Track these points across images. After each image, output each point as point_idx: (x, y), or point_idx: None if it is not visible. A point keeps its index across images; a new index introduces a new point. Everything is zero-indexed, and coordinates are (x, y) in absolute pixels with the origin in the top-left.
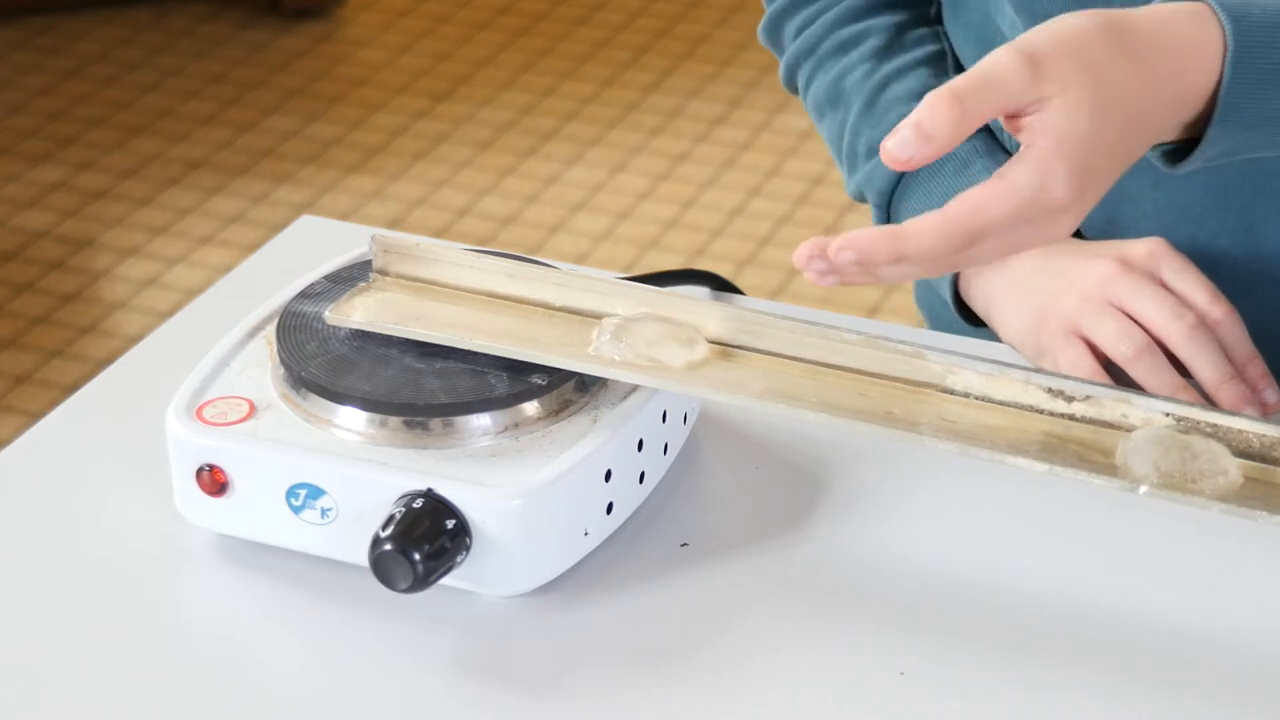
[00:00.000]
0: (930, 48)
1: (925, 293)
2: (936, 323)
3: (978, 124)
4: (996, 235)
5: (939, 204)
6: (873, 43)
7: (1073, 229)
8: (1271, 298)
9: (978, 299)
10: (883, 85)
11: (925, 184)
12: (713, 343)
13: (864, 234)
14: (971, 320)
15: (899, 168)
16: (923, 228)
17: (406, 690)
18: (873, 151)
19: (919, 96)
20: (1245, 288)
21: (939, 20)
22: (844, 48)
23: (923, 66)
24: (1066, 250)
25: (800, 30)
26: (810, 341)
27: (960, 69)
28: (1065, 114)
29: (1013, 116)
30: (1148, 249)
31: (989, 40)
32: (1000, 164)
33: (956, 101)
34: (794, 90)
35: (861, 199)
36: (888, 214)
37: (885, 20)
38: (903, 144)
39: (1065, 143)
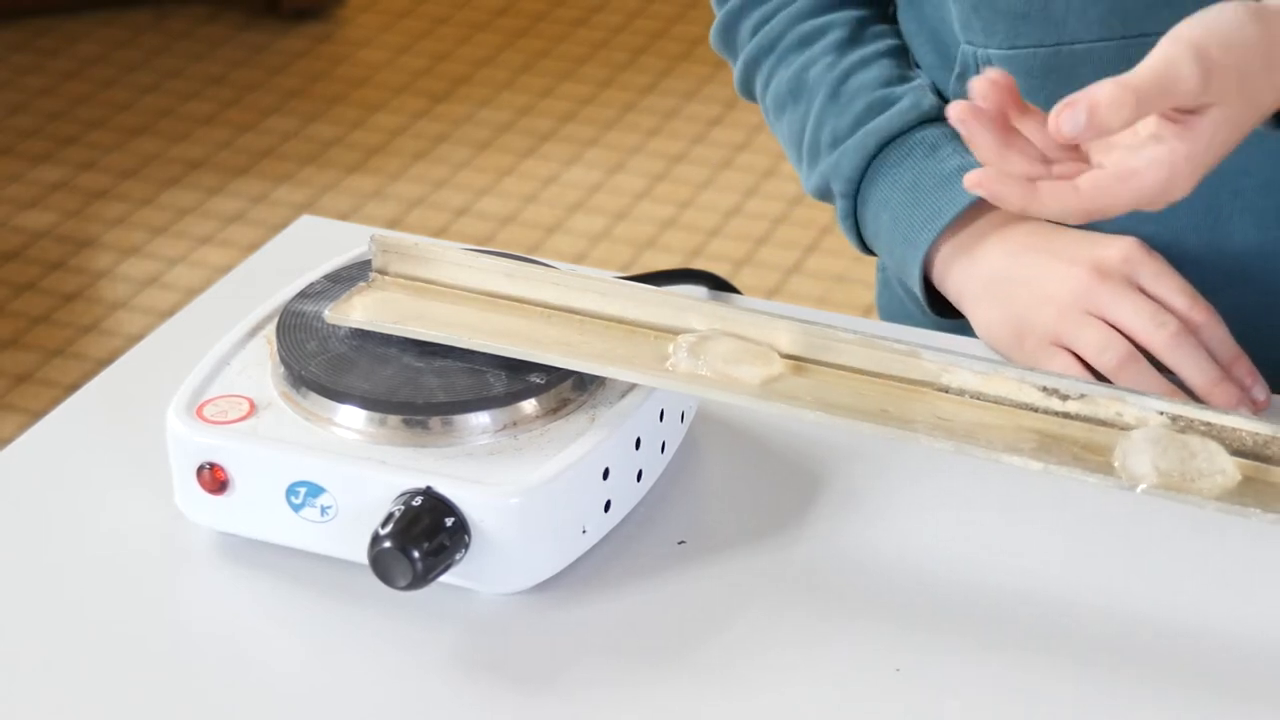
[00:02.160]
0: (891, 41)
1: (887, 301)
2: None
3: (1143, 118)
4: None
5: (907, 188)
6: (835, 35)
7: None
8: (1237, 293)
9: (950, 290)
10: (846, 75)
11: (894, 169)
12: (786, 357)
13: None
14: (939, 310)
15: (1062, 140)
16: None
17: (406, 687)
18: (837, 141)
19: (882, 85)
20: (1211, 284)
21: (896, 20)
22: (806, 41)
23: (885, 58)
24: (1036, 247)
25: (758, 28)
26: (808, 341)
27: (916, 64)
28: (1215, 125)
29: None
30: (1122, 253)
31: (943, 43)
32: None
33: (1135, 100)
34: (749, 94)
35: (823, 194)
36: (855, 202)
37: (846, 15)
38: (1074, 122)
39: (1205, 142)
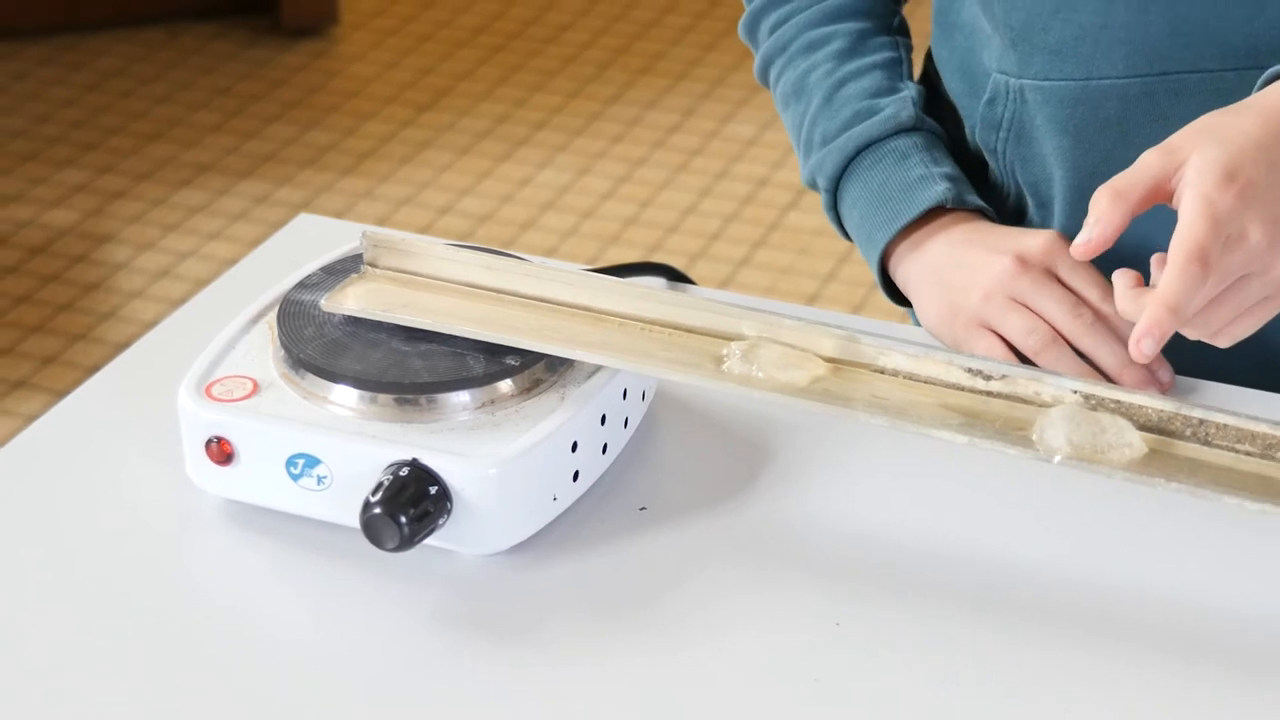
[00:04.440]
0: (888, 54)
1: None
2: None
3: (1139, 209)
4: (1219, 271)
5: (877, 190)
6: (837, 45)
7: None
8: None
9: (899, 280)
10: (841, 83)
11: (868, 171)
12: (825, 360)
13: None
14: (896, 299)
15: (1084, 255)
16: (1165, 274)
17: (394, 638)
18: (826, 140)
19: (870, 95)
20: None
21: (900, 32)
22: (812, 47)
23: (878, 70)
24: (972, 241)
25: (775, 28)
26: (764, 327)
27: (930, 85)
28: (1201, 157)
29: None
30: (1044, 245)
31: (971, 72)
32: (935, 159)
33: (1117, 195)
34: (766, 84)
35: (812, 185)
36: (835, 198)
37: (851, 26)
38: (1085, 238)
39: (1206, 173)
